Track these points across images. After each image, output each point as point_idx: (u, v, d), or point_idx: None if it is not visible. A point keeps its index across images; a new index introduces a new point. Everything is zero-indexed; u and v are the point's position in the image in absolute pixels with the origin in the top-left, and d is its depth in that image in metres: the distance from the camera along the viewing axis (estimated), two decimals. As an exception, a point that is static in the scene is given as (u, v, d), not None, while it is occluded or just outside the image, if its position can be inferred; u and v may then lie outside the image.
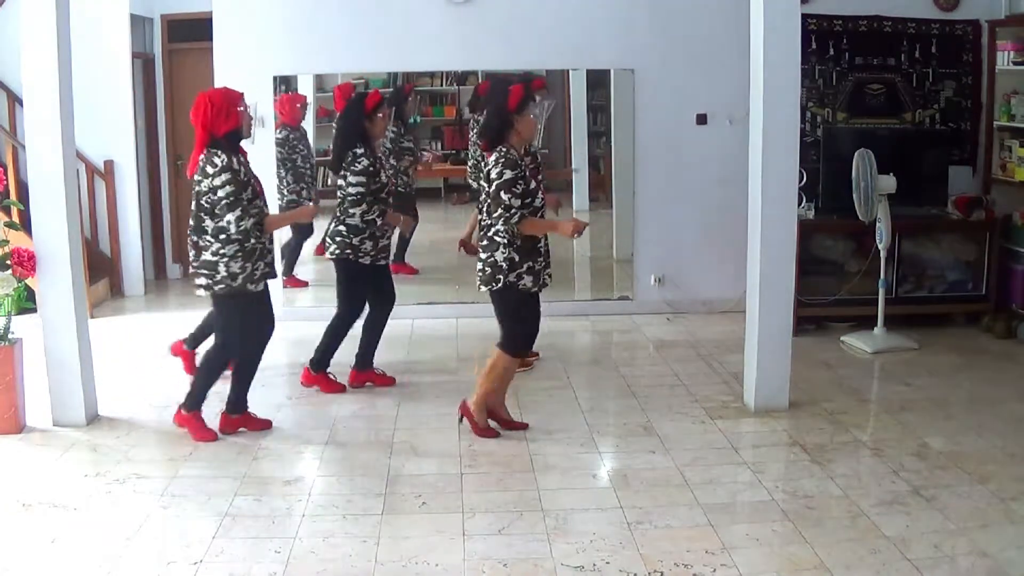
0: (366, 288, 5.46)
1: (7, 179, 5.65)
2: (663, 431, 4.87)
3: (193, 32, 8.03)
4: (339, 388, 5.48)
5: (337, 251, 5.31)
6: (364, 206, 5.23)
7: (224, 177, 4.46)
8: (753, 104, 5.00)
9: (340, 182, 5.29)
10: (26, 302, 5.05)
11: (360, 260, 5.32)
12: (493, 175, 4.55)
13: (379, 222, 5.31)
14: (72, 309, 4.87)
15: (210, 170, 4.48)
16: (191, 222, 4.64)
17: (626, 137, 7.25)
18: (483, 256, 4.66)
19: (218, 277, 4.56)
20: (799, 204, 5.97)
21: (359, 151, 5.22)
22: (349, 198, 5.24)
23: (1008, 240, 6.71)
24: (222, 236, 4.52)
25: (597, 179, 7.85)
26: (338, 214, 5.32)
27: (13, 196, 6.48)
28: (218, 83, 6.85)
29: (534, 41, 7.01)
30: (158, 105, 8.51)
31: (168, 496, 4.12)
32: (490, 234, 4.64)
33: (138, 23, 8.17)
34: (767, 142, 4.91)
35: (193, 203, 4.60)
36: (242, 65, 6.79)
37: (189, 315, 7.33)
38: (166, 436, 4.88)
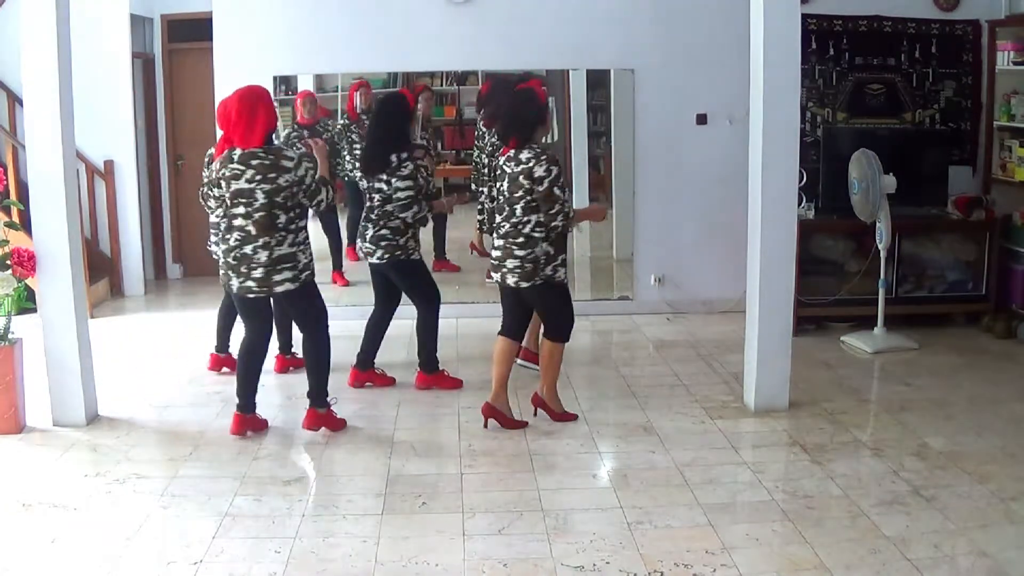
0: (429, 274, 5.58)
1: (7, 179, 5.65)
2: (663, 431, 4.86)
3: (193, 32, 8.04)
4: (458, 383, 5.56)
5: (388, 256, 5.28)
6: (416, 208, 5.25)
7: (307, 164, 4.58)
8: (753, 104, 4.99)
9: (379, 185, 5.24)
10: (26, 302, 5.05)
11: (412, 257, 5.38)
12: (540, 172, 4.59)
13: (429, 217, 5.38)
14: (72, 309, 4.87)
15: (288, 164, 4.51)
16: (250, 227, 4.53)
17: (626, 137, 7.25)
18: (521, 254, 4.69)
19: (300, 266, 4.63)
20: (799, 204, 5.97)
21: (404, 155, 5.21)
22: (400, 203, 5.21)
23: (1008, 240, 6.70)
24: (292, 227, 4.59)
25: (597, 179, 7.85)
26: (374, 217, 5.27)
27: (13, 196, 6.48)
28: (218, 83, 6.86)
29: (534, 41, 7.01)
30: (158, 105, 8.51)
31: (168, 496, 4.12)
32: (526, 231, 4.67)
33: (138, 23, 8.17)
34: (767, 142, 4.91)
35: (260, 202, 4.50)
36: (242, 65, 6.78)
37: (189, 315, 7.37)
38: (166, 436, 4.88)
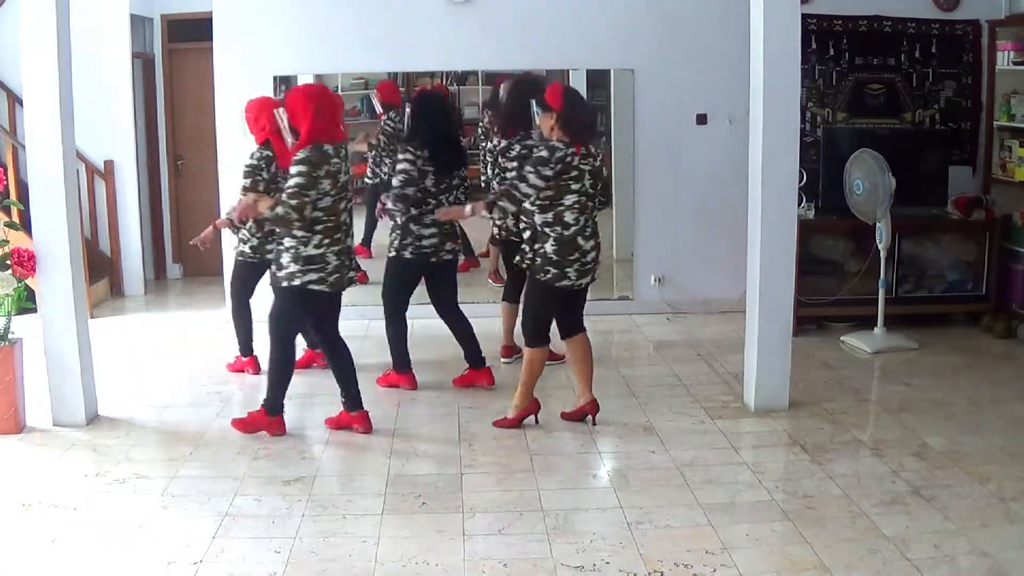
0: None
1: (7, 179, 5.65)
2: (663, 431, 4.86)
3: (193, 32, 8.04)
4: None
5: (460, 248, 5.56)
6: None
7: None
8: (753, 104, 4.99)
9: (457, 181, 5.32)
10: (26, 302, 5.05)
11: None
12: (598, 163, 4.75)
13: None
14: (72, 309, 4.86)
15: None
16: (347, 218, 4.62)
17: (626, 137, 7.25)
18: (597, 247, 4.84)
19: None
20: (799, 204, 5.97)
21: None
22: (469, 190, 5.46)
23: (1008, 240, 6.70)
24: None
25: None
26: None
27: (13, 196, 6.48)
28: (218, 83, 6.87)
29: (534, 41, 7.01)
30: (158, 105, 8.50)
31: (168, 496, 4.12)
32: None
33: (138, 23, 8.17)
34: (767, 142, 4.91)
35: (349, 191, 4.60)
36: (242, 65, 6.79)
37: (189, 315, 7.37)
38: (166, 436, 4.88)
